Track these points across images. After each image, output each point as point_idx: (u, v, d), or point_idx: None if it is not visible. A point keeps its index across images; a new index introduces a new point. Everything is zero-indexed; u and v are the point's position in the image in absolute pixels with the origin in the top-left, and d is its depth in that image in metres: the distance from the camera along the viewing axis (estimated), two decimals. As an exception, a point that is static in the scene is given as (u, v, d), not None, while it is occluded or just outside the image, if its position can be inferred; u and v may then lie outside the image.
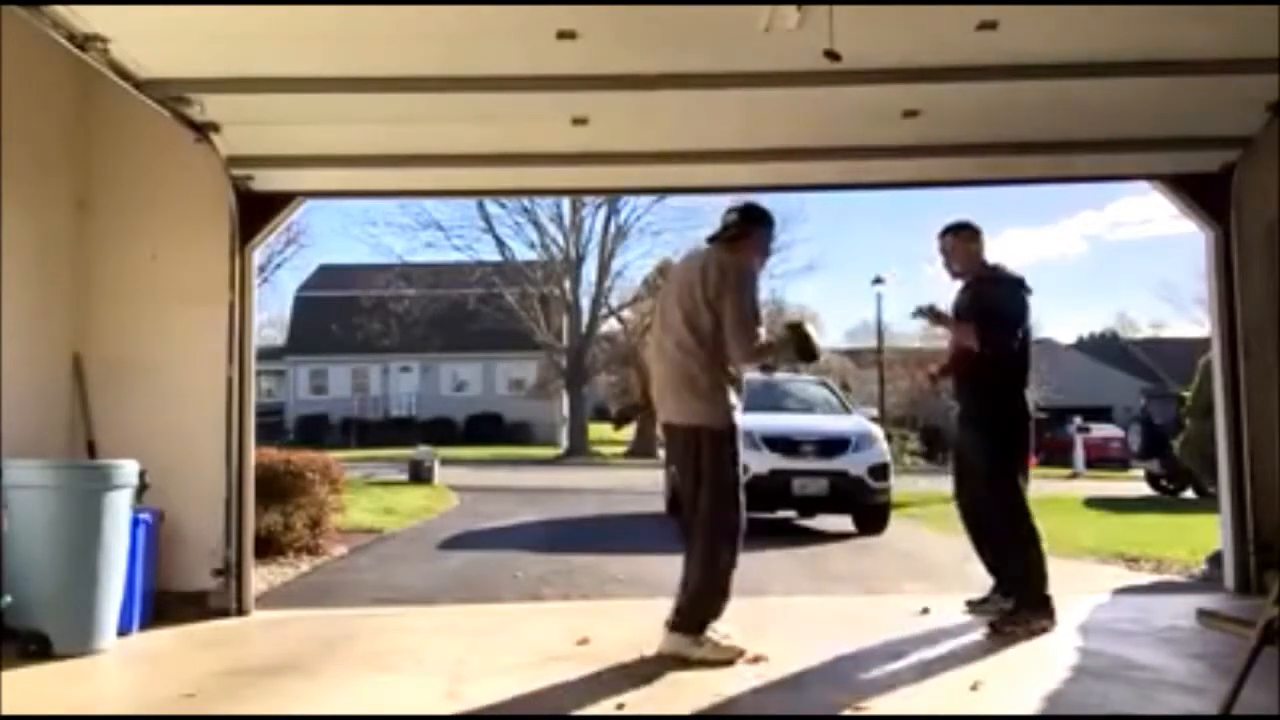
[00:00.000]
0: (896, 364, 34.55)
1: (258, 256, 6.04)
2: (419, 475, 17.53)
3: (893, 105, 5.15)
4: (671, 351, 4.41)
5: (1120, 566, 7.88)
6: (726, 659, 4.24)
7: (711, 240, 4.68)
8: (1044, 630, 4.84)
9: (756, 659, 4.27)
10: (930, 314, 5.31)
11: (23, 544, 4.39)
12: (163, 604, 5.19)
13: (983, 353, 5.01)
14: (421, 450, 18.90)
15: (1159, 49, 4.61)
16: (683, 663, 4.19)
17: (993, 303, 5.10)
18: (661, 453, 19.57)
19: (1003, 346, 5.05)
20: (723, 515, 4.32)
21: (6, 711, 3.55)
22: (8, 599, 4.30)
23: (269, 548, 7.44)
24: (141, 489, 4.78)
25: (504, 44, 4.47)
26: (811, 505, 10.31)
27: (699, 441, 4.34)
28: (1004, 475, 5.06)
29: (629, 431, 37.12)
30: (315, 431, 36.13)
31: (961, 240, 5.29)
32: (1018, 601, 4.96)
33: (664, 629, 4.35)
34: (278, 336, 44.07)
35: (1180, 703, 3.70)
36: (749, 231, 4.60)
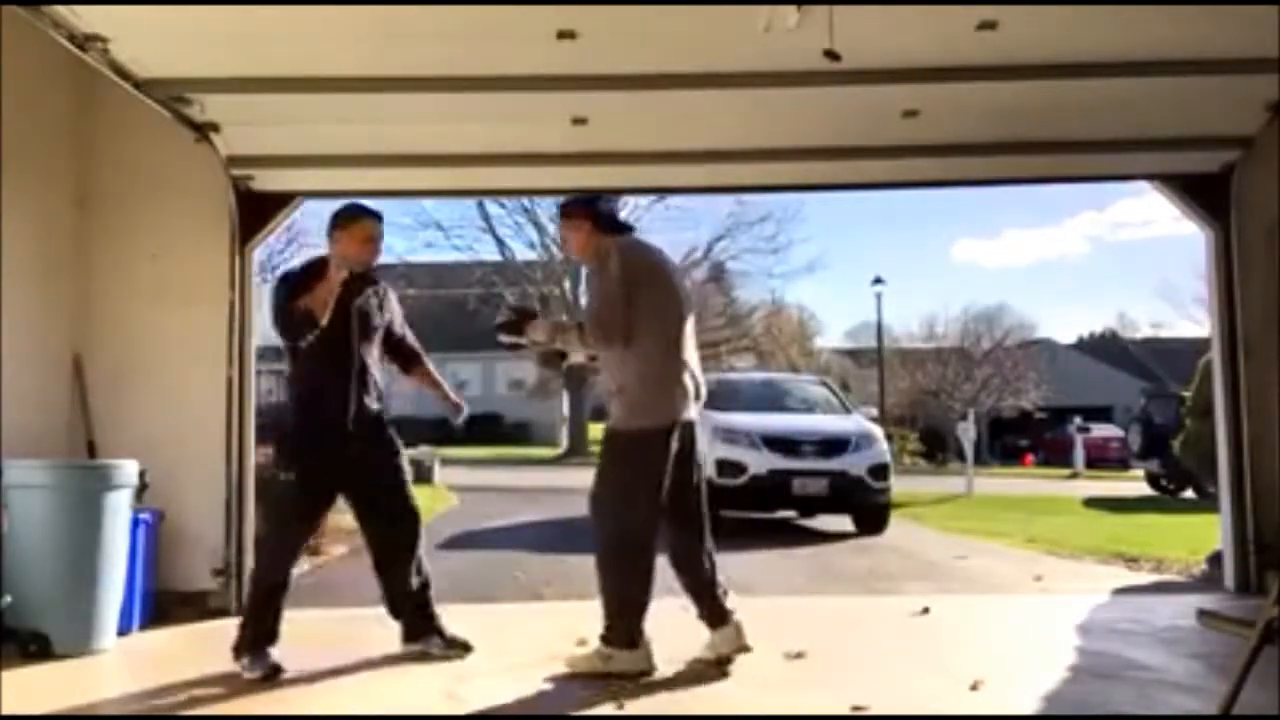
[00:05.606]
0: (896, 364, 34.54)
1: (258, 256, 6.04)
2: (419, 475, 17.41)
3: (893, 105, 5.14)
4: (692, 347, 4.27)
5: (1120, 566, 7.88)
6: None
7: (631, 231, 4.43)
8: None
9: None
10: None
11: (23, 544, 4.39)
12: (163, 604, 5.19)
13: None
14: (422, 450, 18.85)
15: (1159, 49, 4.61)
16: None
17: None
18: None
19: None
20: None
21: (6, 711, 3.55)
22: (8, 599, 4.30)
23: (269, 548, 7.43)
24: (141, 489, 4.78)
25: (504, 44, 4.46)
26: (811, 505, 10.31)
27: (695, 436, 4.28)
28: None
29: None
30: (315, 431, 36.03)
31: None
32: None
33: (735, 627, 4.16)
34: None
35: (1180, 703, 3.70)
36: None
